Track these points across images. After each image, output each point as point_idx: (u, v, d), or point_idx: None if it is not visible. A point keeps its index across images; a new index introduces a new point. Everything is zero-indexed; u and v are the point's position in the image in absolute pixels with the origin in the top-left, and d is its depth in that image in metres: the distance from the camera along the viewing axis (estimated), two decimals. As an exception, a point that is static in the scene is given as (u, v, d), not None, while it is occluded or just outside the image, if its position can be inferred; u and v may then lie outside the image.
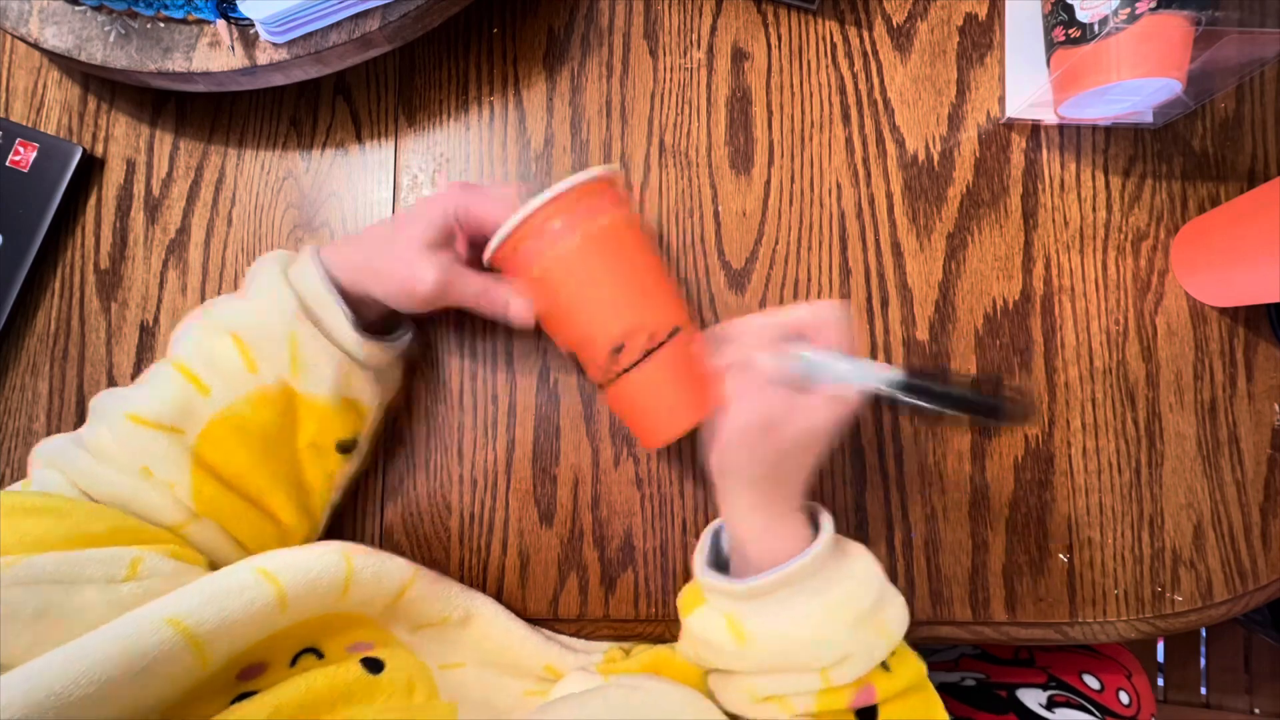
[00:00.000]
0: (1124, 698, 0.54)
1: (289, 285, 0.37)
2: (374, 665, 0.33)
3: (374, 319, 0.40)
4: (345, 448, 0.40)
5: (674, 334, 0.37)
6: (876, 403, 0.45)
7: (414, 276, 0.37)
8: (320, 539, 0.41)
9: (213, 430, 0.35)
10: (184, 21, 0.42)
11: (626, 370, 0.37)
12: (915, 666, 0.36)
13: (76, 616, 0.27)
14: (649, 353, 0.37)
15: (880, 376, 0.32)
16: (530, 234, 0.36)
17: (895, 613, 0.36)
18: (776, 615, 0.34)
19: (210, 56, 0.42)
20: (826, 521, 0.36)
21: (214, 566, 0.34)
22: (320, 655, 0.34)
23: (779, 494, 0.35)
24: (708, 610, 0.37)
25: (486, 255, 0.38)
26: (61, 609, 0.27)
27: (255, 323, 0.37)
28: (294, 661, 0.33)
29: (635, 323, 0.37)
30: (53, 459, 0.34)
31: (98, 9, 0.43)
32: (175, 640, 0.27)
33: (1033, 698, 0.54)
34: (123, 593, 0.29)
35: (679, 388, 0.37)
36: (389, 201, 0.48)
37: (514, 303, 0.39)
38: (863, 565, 0.36)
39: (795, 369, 0.33)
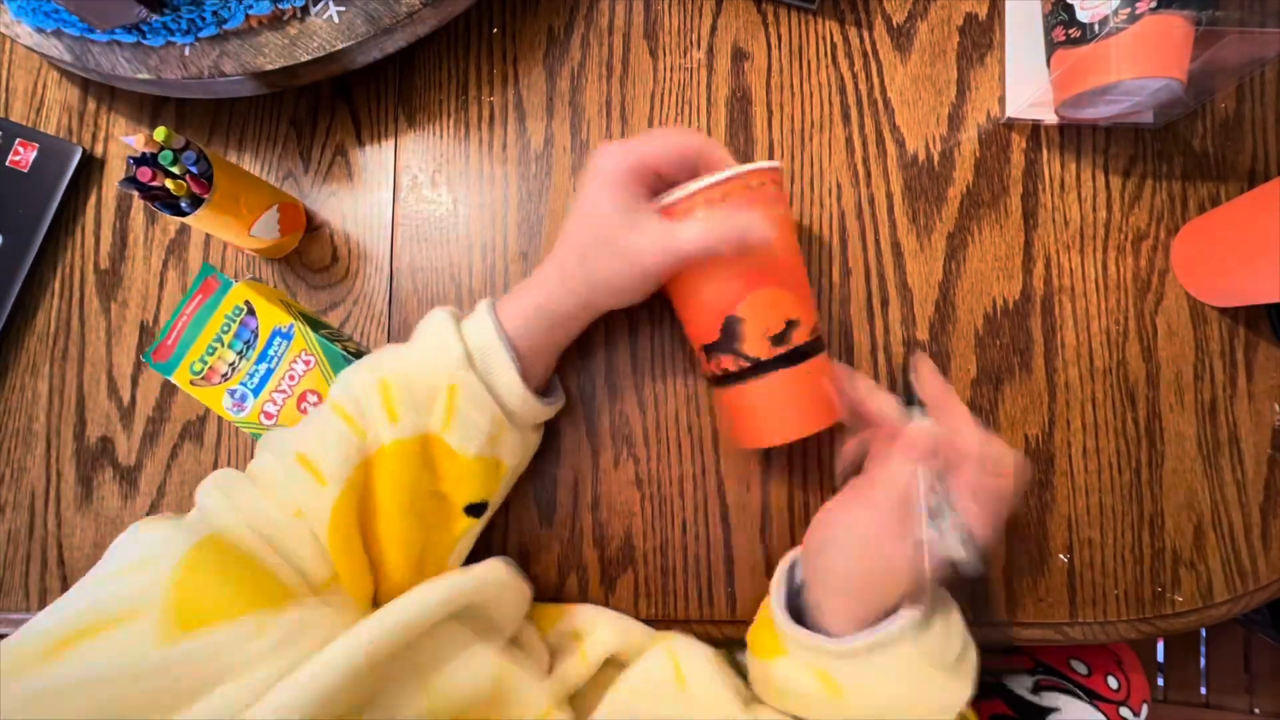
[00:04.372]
0: (1112, 682, 0.55)
1: (458, 335, 0.36)
2: None
3: (531, 380, 0.39)
4: (475, 510, 0.39)
5: (818, 340, 0.39)
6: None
7: (650, 263, 0.35)
8: None
9: (358, 477, 0.34)
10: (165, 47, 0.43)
11: (778, 360, 0.37)
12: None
13: None
14: (804, 350, 0.38)
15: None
16: (716, 199, 0.36)
17: (973, 653, 0.35)
18: (873, 669, 0.33)
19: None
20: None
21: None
22: None
23: (864, 595, 0.34)
24: (791, 663, 0.36)
25: (660, 203, 0.36)
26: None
27: (413, 369, 0.36)
28: None
29: (809, 308, 0.39)
30: (223, 486, 0.34)
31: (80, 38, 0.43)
32: None
33: (1020, 684, 0.55)
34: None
35: (818, 394, 0.38)
36: (389, 202, 0.48)
37: (755, 227, 0.34)
38: (947, 610, 0.35)
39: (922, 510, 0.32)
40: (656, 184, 0.37)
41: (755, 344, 0.37)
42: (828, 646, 0.34)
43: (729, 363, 0.38)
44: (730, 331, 0.37)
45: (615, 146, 0.36)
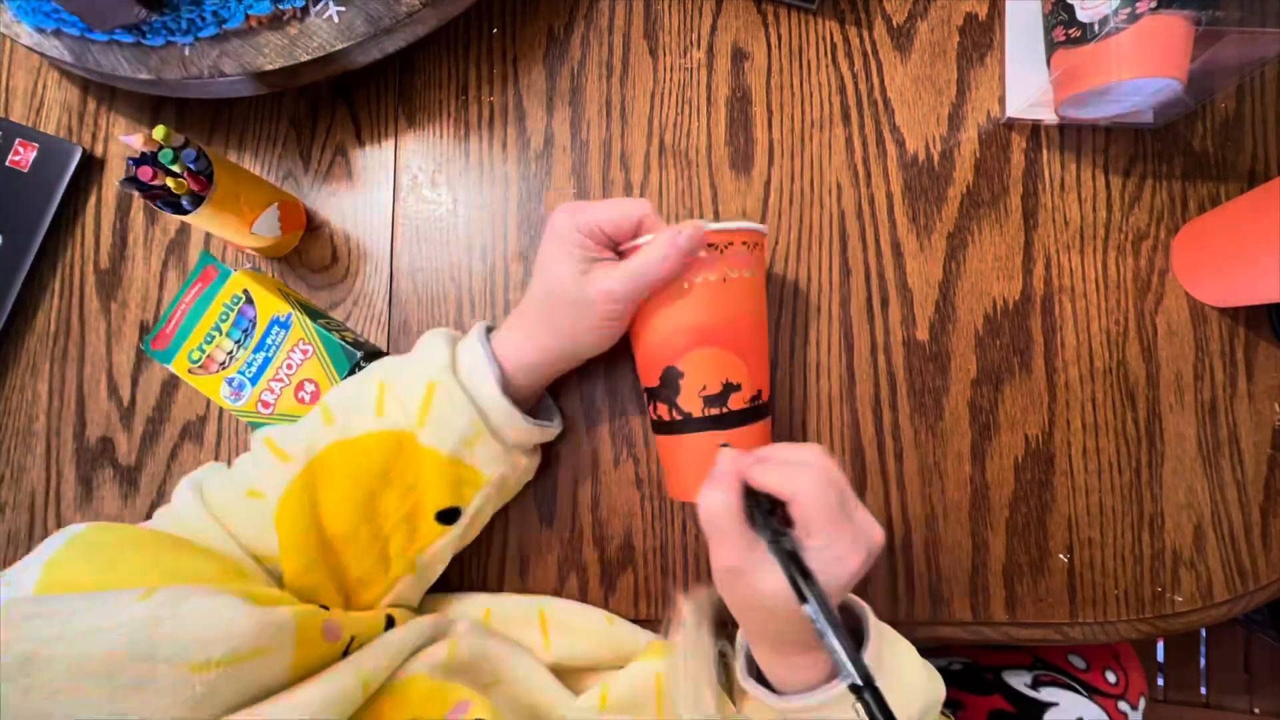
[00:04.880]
0: (1110, 676, 0.55)
1: (448, 345, 0.38)
2: None
3: (516, 397, 0.39)
4: (446, 517, 0.38)
5: (766, 407, 0.40)
6: (877, 404, 0.45)
7: (600, 307, 0.36)
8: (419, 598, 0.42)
9: (323, 458, 0.36)
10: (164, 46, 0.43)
11: (708, 421, 0.37)
12: None
13: None
14: (739, 415, 0.38)
15: (847, 670, 0.27)
16: (722, 241, 0.37)
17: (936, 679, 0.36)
18: None
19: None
20: (870, 631, 0.33)
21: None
22: None
23: (765, 634, 0.34)
24: (760, 707, 0.35)
25: (632, 245, 0.37)
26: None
27: (401, 370, 0.38)
28: None
29: (756, 375, 0.38)
30: (198, 476, 0.38)
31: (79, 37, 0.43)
32: None
33: (1018, 679, 0.55)
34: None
35: None
36: (389, 202, 0.48)
37: (685, 231, 0.35)
38: (910, 673, 0.35)
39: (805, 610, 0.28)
40: (607, 241, 0.38)
41: (689, 399, 0.38)
42: (773, 703, 0.34)
43: (664, 411, 0.39)
44: (668, 382, 0.38)
45: (566, 207, 0.38)
